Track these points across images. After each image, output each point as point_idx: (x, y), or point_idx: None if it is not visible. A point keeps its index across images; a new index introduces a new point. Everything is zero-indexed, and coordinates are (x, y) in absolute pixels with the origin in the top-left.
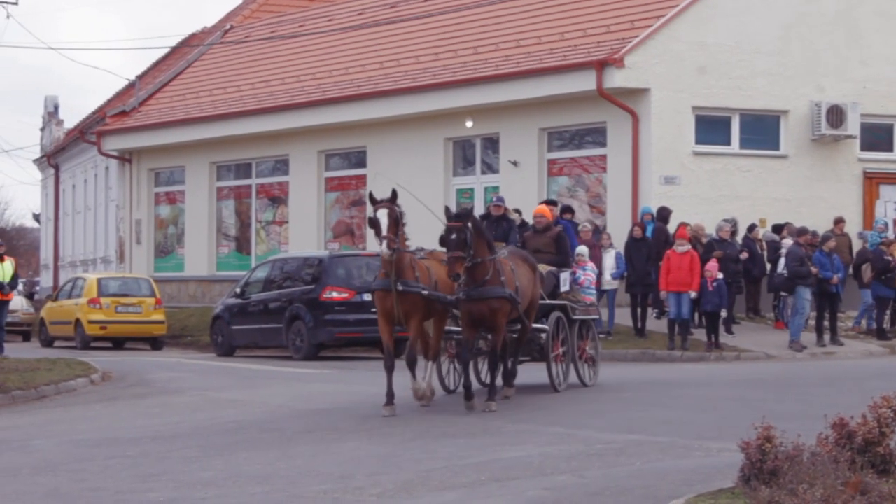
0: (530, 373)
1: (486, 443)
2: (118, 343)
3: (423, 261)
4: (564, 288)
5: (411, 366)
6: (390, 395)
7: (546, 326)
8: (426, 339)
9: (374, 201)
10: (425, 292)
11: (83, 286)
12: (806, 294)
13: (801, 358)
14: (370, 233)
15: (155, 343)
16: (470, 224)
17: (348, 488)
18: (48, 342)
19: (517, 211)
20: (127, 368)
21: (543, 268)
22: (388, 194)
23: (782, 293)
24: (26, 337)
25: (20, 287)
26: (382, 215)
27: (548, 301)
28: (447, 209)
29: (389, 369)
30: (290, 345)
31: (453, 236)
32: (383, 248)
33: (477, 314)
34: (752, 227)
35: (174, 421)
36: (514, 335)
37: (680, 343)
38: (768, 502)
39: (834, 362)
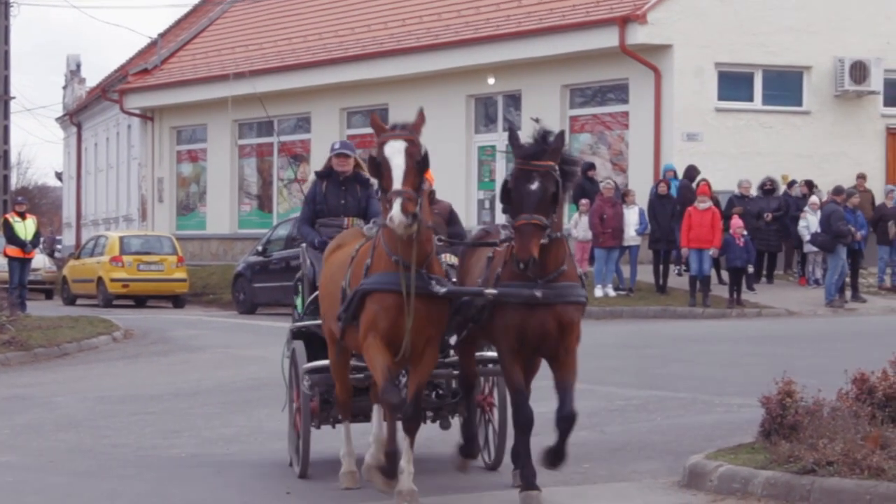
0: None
1: None
2: (140, 301)
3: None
4: None
5: (411, 429)
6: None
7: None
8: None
9: (380, 128)
10: (444, 289)
11: (105, 244)
12: (843, 253)
13: (822, 314)
14: None
15: (177, 301)
16: (558, 166)
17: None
18: (70, 300)
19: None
20: (149, 326)
21: (450, 258)
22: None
23: (808, 251)
24: (49, 295)
25: (41, 245)
26: (396, 153)
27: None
28: (513, 133)
29: (397, 402)
30: None
31: (535, 185)
32: (395, 213)
33: (539, 330)
34: (791, 184)
35: (196, 378)
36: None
37: (701, 300)
38: (788, 457)
39: (856, 318)
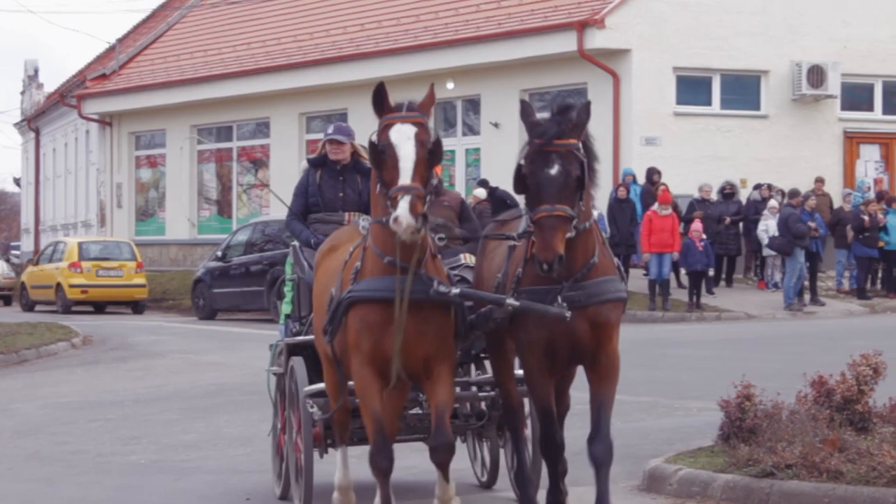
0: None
1: None
2: (99, 307)
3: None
4: None
5: (441, 461)
6: None
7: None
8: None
9: (385, 106)
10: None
11: (64, 250)
12: (801, 256)
13: (781, 317)
14: None
15: (136, 306)
16: (581, 145)
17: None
18: (29, 306)
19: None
20: (108, 332)
21: (469, 258)
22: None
23: (767, 255)
24: (7, 301)
25: None
26: (404, 139)
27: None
28: (526, 107)
29: (386, 467)
30: (272, 307)
31: (555, 170)
32: (402, 213)
33: (570, 339)
34: (757, 187)
35: (155, 384)
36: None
37: (661, 303)
38: (747, 460)
39: (814, 321)
